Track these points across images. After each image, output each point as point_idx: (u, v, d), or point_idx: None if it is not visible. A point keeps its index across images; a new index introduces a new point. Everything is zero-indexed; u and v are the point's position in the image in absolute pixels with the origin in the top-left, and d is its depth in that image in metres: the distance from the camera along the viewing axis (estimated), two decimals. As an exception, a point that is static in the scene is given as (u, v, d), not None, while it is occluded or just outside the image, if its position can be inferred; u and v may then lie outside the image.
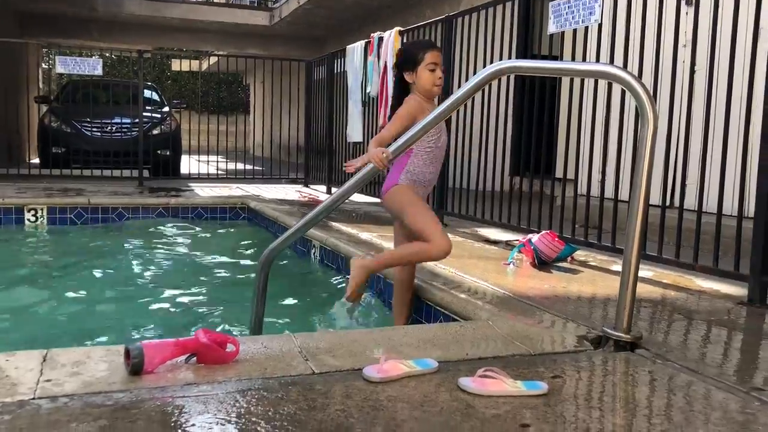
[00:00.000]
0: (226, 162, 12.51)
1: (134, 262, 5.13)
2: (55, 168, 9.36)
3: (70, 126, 10.49)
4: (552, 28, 4.58)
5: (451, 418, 1.71)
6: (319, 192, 8.97)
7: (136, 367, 1.89)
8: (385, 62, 6.95)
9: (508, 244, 4.84)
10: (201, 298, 4.24)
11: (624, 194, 4.61)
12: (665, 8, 3.93)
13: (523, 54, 7.29)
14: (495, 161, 5.44)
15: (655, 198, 3.83)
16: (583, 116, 4.88)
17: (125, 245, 5.71)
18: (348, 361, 2.09)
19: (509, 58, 5.35)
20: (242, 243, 5.89)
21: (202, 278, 4.75)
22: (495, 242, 4.92)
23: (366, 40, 7.55)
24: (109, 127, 10.61)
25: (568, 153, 4.56)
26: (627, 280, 2.33)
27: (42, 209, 6.48)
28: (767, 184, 3.05)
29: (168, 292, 4.31)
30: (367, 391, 1.87)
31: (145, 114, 10.43)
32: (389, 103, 6.90)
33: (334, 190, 8.80)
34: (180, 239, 6.03)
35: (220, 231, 6.48)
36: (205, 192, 8.46)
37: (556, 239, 4.06)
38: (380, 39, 7.15)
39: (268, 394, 1.82)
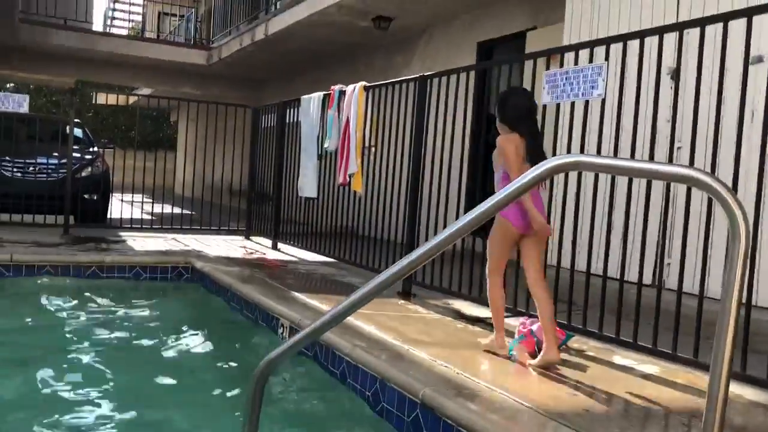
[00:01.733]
0: (152, 203, 11.75)
1: (59, 347, 4.32)
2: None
3: (-14, 165, 9.55)
4: (546, 98, 4.33)
5: None
6: (263, 247, 8.42)
7: None
8: (347, 117, 6.59)
9: (488, 323, 4.50)
10: (147, 406, 3.46)
11: (596, 267, 4.43)
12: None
13: (476, 115, 7.05)
14: (447, 213, 5.20)
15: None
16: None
17: (51, 318, 5.00)
18: None
19: (467, 119, 5.13)
20: (193, 316, 5.27)
21: (146, 371, 3.94)
22: (475, 320, 4.57)
23: (325, 93, 7.18)
24: (32, 168, 9.73)
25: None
26: (715, 407, 1.98)
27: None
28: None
29: (103, 403, 3.44)
30: None
31: (74, 155, 9.65)
32: (350, 159, 6.53)
33: (281, 245, 8.29)
34: (117, 309, 5.30)
35: (163, 300, 5.81)
36: (139, 245, 7.77)
37: (557, 329, 3.73)
38: (341, 92, 6.80)
39: None
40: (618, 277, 4.06)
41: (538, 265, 3.58)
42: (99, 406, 3.37)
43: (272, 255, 7.69)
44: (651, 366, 3.61)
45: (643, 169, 2.08)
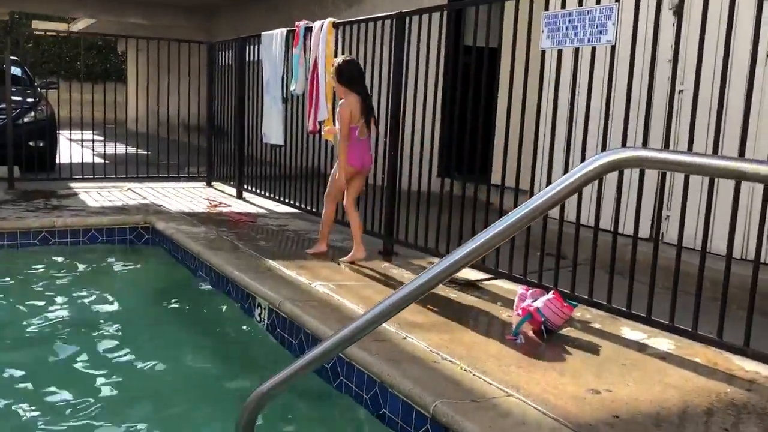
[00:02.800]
0: (104, 142, 10.98)
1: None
2: None
3: None
4: (545, 43, 3.87)
5: None
6: (227, 196, 7.90)
7: None
8: (315, 57, 6.01)
9: (478, 286, 4.19)
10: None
11: (584, 218, 4.13)
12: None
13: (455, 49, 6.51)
14: (422, 159, 4.92)
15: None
16: (545, 114, 4.18)
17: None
18: None
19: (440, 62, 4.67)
20: (158, 288, 4.81)
21: (103, 364, 3.48)
22: (467, 284, 4.24)
23: (288, 29, 6.54)
24: (-32, 115, 8.90)
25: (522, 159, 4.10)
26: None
27: None
28: None
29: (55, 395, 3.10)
30: None
31: (13, 98, 8.84)
32: (319, 105, 6.00)
33: (246, 195, 7.78)
34: (69, 287, 4.74)
35: (123, 268, 5.30)
36: (93, 199, 7.18)
37: (564, 305, 3.42)
38: (308, 29, 6.19)
39: None
40: (611, 230, 3.76)
41: (354, 195, 4.81)
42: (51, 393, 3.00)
43: (238, 206, 7.20)
44: (663, 341, 3.34)
45: (728, 168, 1.68)
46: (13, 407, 2.93)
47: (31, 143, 9.00)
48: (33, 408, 2.93)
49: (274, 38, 6.81)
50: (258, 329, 3.84)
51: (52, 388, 3.12)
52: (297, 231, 5.88)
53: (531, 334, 3.36)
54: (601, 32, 3.51)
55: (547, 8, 3.89)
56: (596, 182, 3.31)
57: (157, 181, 8.70)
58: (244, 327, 3.94)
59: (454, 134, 4.76)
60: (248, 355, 3.64)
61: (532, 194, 4.06)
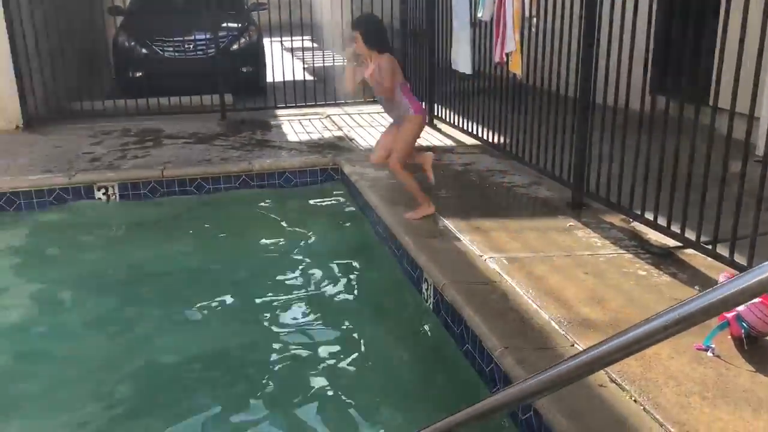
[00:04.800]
0: (312, 51, 11.16)
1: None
2: (131, 97, 8.52)
3: (145, 46, 9.55)
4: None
5: None
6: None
7: None
8: (504, -20, 5.44)
9: (676, 257, 3.68)
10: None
11: None
12: None
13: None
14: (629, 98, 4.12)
15: None
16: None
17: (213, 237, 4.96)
18: None
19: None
20: (335, 239, 4.96)
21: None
22: (662, 254, 3.74)
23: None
24: (187, 46, 9.59)
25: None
26: None
27: (113, 186, 5.73)
28: None
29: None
30: None
31: (223, 26, 9.34)
32: (506, 35, 5.50)
33: (437, 123, 7.57)
34: (268, 226, 5.16)
35: (311, 210, 5.54)
36: (293, 131, 7.48)
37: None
38: (495, -52, 5.59)
39: None
40: None
41: (407, 154, 4.43)
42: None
43: (426, 136, 7.03)
44: None
45: None
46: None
47: (242, 69, 9.53)
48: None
49: (461, -43, 6.29)
50: (423, 304, 3.76)
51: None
52: (481, 173, 5.60)
53: (729, 342, 2.89)
54: None
55: None
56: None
57: (353, 105, 8.79)
58: (411, 298, 3.88)
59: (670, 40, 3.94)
60: (409, 330, 3.60)
61: None
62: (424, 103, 6.16)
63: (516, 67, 5.40)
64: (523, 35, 5.29)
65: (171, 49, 9.53)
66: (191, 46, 9.53)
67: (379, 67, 4.19)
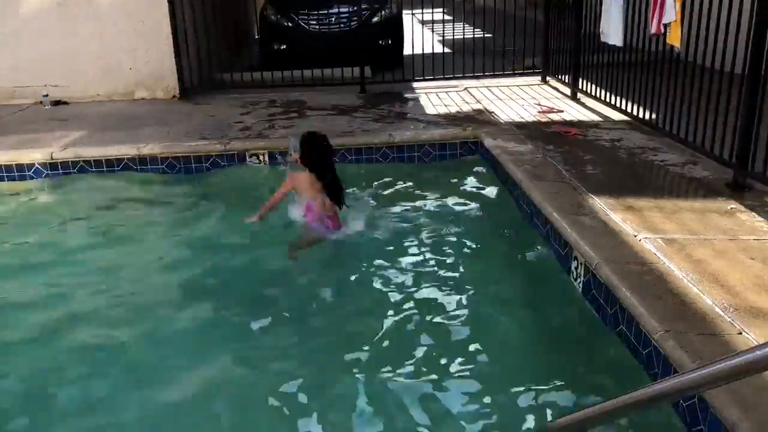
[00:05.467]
0: (453, 23, 11.08)
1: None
2: (277, 69, 8.85)
3: (290, 19, 9.88)
4: None
5: None
6: (561, 97, 7.54)
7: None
8: (664, -54, 5.13)
9: None
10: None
11: None
12: None
13: None
14: None
15: None
16: None
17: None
18: None
19: None
20: (476, 214, 4.93)
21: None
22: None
23: None
24: (330, 19, 9.83)
25: None
26: None
27: (263, 154, 6.02)
28: None
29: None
30: None
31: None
32: (665, 3, 5.20)
33: (580, 97, 7.32)
34: (409, 199, 5.23)
35: (450, 183, 5.51)
36: (431, 104, 7.50)
37: None
38: None
39: None
40: None
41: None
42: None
43: (570, 110, 6.83)
44: None
45: None
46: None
47: (381, 42, 9.65)
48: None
49: None
50: (571, 284, 3.68)
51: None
52: (631, 149, 5.37)
53: None
54: None
55: None
56: None
57: (492, 78, 8.67)
58: (558, 277, 3.81)
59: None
60: (557, 308, 3.54)
61: None
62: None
63: (675, 40, 5.10)
64: (685, 5, 4.98)
65: (315, 22, 9.79)
66: (334, 18, 9.75)
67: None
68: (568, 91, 7.61)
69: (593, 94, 6.96)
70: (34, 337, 3.52)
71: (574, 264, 3.68)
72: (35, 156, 5.94)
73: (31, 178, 5.91)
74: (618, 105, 6.33)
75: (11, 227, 5.17)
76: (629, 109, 6.08)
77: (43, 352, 3.40)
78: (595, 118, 6.50)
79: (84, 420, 2.90)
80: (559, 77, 8.04)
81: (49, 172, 5.92)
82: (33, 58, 8.14)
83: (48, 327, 3.60)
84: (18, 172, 5.92)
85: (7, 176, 5.92)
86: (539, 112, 6.86)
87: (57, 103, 8.10)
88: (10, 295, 4.03)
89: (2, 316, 3.81)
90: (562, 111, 6.85)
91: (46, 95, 8.02)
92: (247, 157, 6.03)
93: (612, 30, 6.30)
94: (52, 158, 5.91)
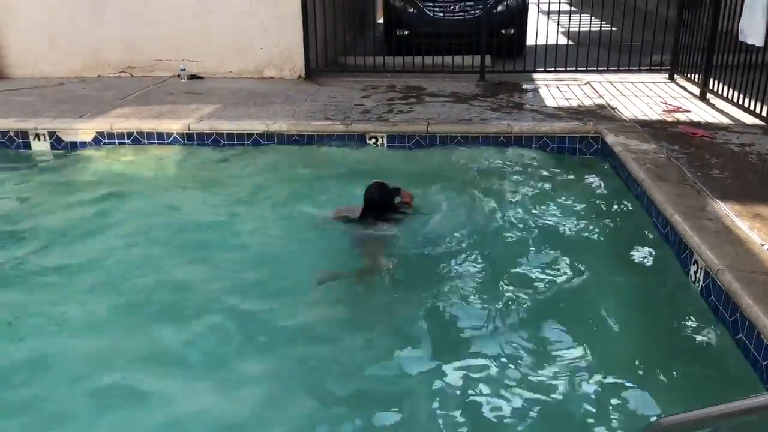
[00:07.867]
0: (579, 15, 10.87)
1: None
2: (398, 55, 9.01)
3: (414, 6, 10.02)
4: None
5: None
6: (688, 96, 7.26)
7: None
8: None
9: None
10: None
11: None
12: None
13: None
14: None
15: None
16: None
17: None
18: None
19: None
20: (596, 212, 4.86)
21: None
22: None
23: None
24: (453, 7, 9.89)
25: None
26: None
27: (382, 137, 6.21)
28: None
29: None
30: None
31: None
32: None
33: (710, 97, 7.02)
34: (525, 191, 5.26)
35: (567, 179, 5.48)
36: (551, 96, 7.44)
37: None
38: None
39: None
40: None
41: None
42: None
43: (698, 112, 6.58)
44: None
45: None
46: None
47: (503, 31, 9.61)
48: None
49: None
50: (691, 287, 3.62)
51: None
52: (763, 155, 5.15)
53: None
54: None
55: None
56: None
57: (616, 73, 8.46)
58: (677, 280, 3.75)
59: None
60: (672, 312, 3.49)
61: None
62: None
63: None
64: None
65: (439, 9, 9.88)
66: (458, 6, 9.80)
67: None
68: (696, 90, 7.33)
69: (724, 95, 6.68)
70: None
71: (693, 268, 3.62)
72: (174, 126, 6.40)
73: (172, 143, 6.38)
74: (752, 108, 6.05)
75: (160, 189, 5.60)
76: (764, 113, 5.80)
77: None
78: (725, 120, 6.25)
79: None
80: (688, 76, 7.74)
81: (185, 142, 6.37)
82: (172, 35, 8.70)
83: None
84: (158, 140, 6.40)
85: (148, 141, 6.41)
86: (665, 110, 6.66)
87: (192, 77, 8.64)
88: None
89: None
90: (689, 111, 6.62)
91: (183, 69, 8.57)
92: (367, 139, 6.23)
93: (752, 29, 6.02)
94: (189, 129, 6.35)
